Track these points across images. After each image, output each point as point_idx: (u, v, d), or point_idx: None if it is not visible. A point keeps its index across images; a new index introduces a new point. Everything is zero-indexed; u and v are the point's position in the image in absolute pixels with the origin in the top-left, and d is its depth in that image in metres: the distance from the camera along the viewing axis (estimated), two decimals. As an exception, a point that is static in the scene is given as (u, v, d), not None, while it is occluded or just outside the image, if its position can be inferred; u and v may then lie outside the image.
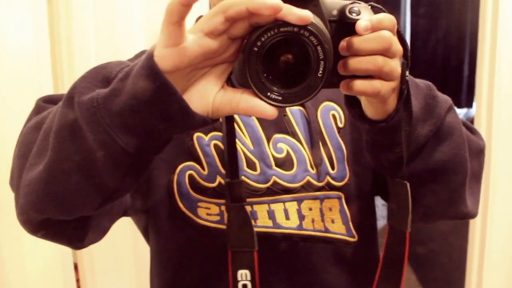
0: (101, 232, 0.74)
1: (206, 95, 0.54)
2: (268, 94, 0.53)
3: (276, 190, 0.81)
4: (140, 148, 0.53)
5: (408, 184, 0.66)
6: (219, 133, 0.81)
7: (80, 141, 0.54)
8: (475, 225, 1.76)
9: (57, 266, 1.45)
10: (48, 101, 0.71)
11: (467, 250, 1.83)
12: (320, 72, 0.52)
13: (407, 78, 0.61)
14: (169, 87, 0.49)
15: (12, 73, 1.35)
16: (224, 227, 0.81)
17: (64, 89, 1.36)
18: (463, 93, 3.52)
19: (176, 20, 0.48)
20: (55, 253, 1.44)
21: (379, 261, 0.91)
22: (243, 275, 0.75)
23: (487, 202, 1.67)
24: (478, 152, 0.76)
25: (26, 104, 1.32)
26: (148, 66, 0.49)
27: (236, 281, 0.75)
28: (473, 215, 0.78)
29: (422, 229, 2.78)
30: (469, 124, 0.78)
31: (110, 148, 0.52)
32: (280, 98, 0.53)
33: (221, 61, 0.53)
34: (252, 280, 0.75)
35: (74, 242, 0.73)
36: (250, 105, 0.53)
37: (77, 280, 1.56)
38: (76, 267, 1.56)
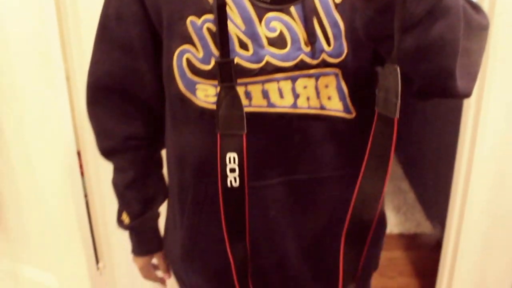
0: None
1: None
2: None
3: (270, 70, 0.81)
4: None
5: (398, 68, 0.64)
6: (211, 16, 0.80)
7: None
8: (468, 110, 1.70)
9: (60, 151, 1.47)
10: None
11: (456, 149, 1.82)
12: None
13: None
14: None
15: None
16: None
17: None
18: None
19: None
20: (59, 140, 1.46)
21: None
22: (231, 158, 0.75)
23: (483, 85, 1.61)
24: (479, 31, 0.74)
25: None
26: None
27: (224, 165, 0.75)
28: (466, 94, 0.76)
29: (412, 123, 2.76)
30: (473, 2, 0.75)
31: None
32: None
33: None
34: (240, 164, 0.75)
35: None
36: None
37: (80, 166, 1.55)
38: (79, 154, 1.57)
